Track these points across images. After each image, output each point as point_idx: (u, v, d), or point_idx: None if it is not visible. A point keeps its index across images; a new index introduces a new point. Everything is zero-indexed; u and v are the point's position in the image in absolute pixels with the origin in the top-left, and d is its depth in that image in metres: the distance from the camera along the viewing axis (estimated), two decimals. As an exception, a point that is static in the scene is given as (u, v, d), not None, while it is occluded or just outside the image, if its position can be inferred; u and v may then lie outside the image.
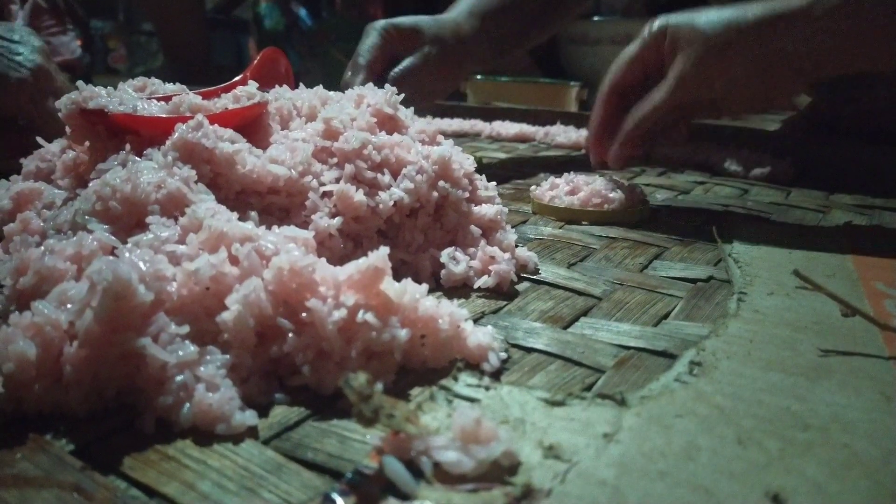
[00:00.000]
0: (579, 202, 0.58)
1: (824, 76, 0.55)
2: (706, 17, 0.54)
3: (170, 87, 0.49)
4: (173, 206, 0.35)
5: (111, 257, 0.30)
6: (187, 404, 0.27)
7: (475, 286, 0.42)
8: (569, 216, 0.58)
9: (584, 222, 0.57)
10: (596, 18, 1.65)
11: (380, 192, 0.42)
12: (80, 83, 0.42)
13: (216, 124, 0.40)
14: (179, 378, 0.27)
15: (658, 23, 0.56)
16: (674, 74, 0.55)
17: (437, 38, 0.77)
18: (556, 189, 0.60)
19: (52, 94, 0.60)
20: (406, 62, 0.75)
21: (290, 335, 0.29)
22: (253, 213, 0.38)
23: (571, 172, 0.62)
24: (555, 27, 1.00)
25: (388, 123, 0.48)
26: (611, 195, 0.58)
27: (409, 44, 0.77)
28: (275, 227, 0.34)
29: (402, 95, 0.49)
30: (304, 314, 0.29)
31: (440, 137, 0.50)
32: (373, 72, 0.73)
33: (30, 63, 0.59)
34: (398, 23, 0.77)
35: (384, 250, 0.30)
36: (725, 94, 0.56)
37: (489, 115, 1.15)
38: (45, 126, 0.59)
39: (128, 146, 0.39)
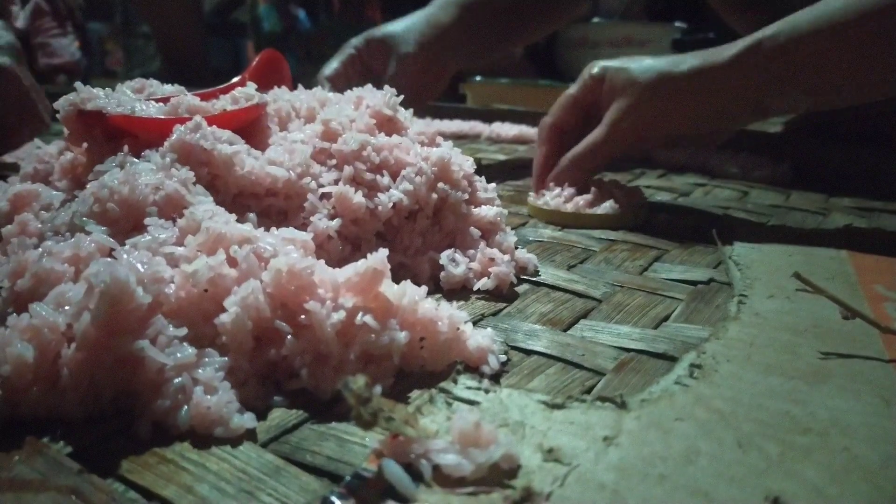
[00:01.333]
0: (576, 206, 0.58)
1: (764, 118, 0.57)
2: (641, 66, 0.57)
3: (168, 89, 0.49)
4: (171, 208, 0.35)
5: (109, 259, 0.30)
6: (185, 407, 0.26)
7: (475, 288, 0.42)
8: (564, 220, 0.58)
9: (580, 226, 0.57)
10: (595, 21, 1.65)
11: (379, 194, 0.42)
12: (77, 84, 0.42)
13: (214, 126, 0.40)
14: (177, 381, 0.27)
15: (596, 68, 0.60)
16: (607, 120, 0.58)
17: (406, 37, 0.78)
18: (552, 193, 0.60)
19: (28, 78, 0.61)
20: (386, 76, 0.77)
21: (289, 338, 0.29)
22: (251, 215, 0.37)
23: None
24: (544, 28, 0.99)
25: (387, 125, 0.47)
26: (607, 199, 0.57)
27: (381, 55, 0.79)
28: (273, 229, 0.34)
29: (402, 97, 0.49)
30: (302, 317, 0.29)
31: (439, 139, 0.50)
32: (334, 86, 0.75)
33: (8, 48, 0.60)
34: (370, 35, 0.80)
35: (383, 252, 0.30)
36: (659, 135, 0.59)
37: (489, 116, 1.15)
38: (30, 107, 0.60)
39: (126, 148, 0.39)
